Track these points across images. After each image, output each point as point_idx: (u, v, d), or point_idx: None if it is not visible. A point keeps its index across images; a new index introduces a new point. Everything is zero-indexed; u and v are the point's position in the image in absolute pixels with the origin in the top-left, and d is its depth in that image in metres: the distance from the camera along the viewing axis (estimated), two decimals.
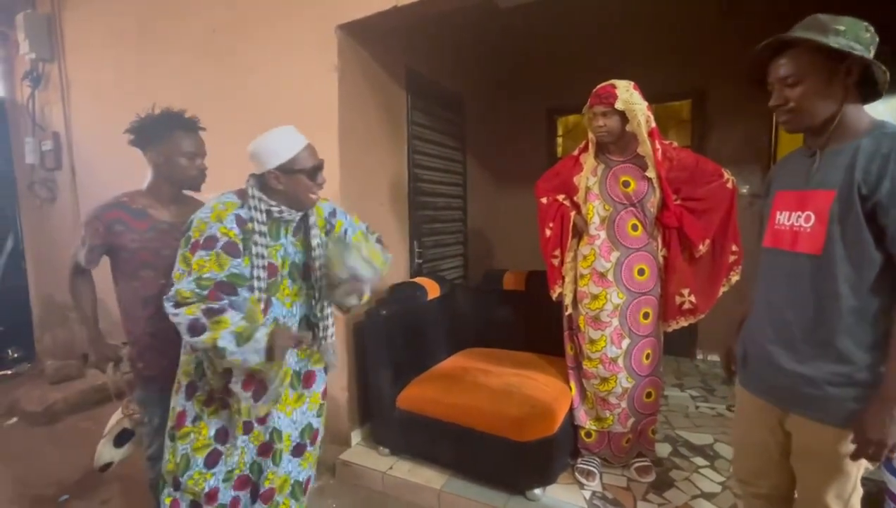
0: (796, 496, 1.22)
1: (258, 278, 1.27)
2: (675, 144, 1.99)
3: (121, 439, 1.67)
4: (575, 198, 2.03)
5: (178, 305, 1.18)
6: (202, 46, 2.61)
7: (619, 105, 1.84)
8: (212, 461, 1.30)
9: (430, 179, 3.10)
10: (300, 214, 1.36)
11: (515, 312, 2.69)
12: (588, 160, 2.00)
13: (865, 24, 1.02)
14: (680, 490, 2.01)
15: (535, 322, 2.60)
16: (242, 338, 1.17)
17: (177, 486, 1.31)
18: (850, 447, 1.01)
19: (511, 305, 2.70)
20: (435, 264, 3.20)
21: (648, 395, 2.02)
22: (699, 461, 2.23)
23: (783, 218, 1.13)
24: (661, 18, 3.32)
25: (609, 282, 1.93)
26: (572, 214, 2.00)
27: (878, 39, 1.02)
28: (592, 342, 1.98)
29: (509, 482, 1.98)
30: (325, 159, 2.24)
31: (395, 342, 2.25)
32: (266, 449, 1.37)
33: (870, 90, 1.04)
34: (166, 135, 1.49)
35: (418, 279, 2.62)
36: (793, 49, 1.05)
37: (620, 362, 1.96)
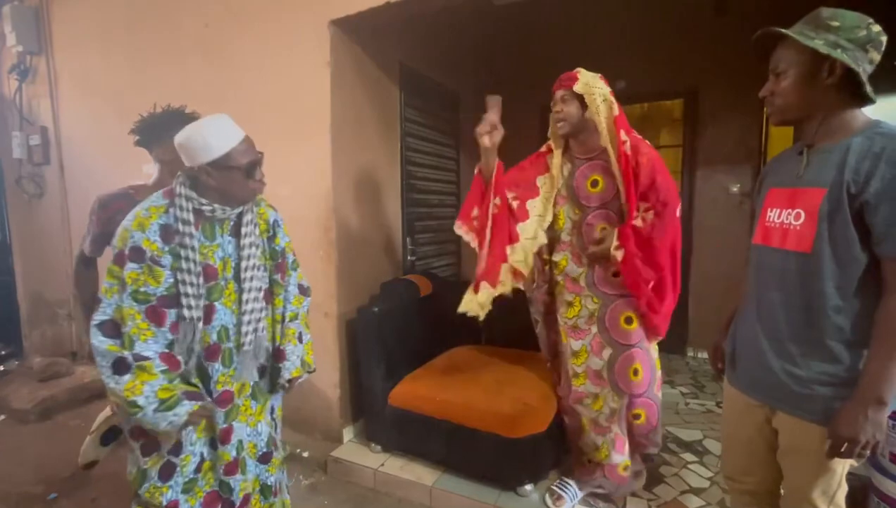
0: (782, 492, 1.24)
1: (191, 285, 1.18)
2: (648, 143, 1.75)
3: (108, 437, 1.67)
4: (527, 204, 1.86)
5: (108, 331, 1.12)
6: (193, 41, 2.58)
7: (577, 88, 1.70)
8: (166, 473, 1.23)
9: (423, 176, 3.09)
10: (236, 211, 1.26)
11: (508, 309, 2.69)
12: (555, 160, 1.86)
13: (868, 21, 1.00)
14: (669, 485, 2.03)
15: (527, 320, 2.59)
16: (164, 405, 1.12)
17: (138, 498, 1.26)
18: (828, 443, 1.02)
19: (503, 303, 2.70)
20: (428, 262, 3.20)
21: (636, 416, 1.81)
22: (688, 456, 2.26)
23: (773, 215, 1.13)
24: (655, 17, 3.33)
25: (581, 287, 1.82)
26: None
27: (883, 39, 1.00)
28: (575, 353, 1.85)
29: (500, 478, 1.99)
30: (318, 155, 2.27)
31: (387, 339, 2.25)
32: (233, 469, 1.31)
33: (862, 92, 1.03)
34: (169, 132, 1.50)
35: (411, 276, 2.62)
36: (784, 41, 1.06)
37: (605, 374, 1.80)
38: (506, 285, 1.83)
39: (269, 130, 2.39)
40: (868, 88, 1.00)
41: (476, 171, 1.88)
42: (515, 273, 1.85)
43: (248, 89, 2.43)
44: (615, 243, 1.68)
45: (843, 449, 0.98)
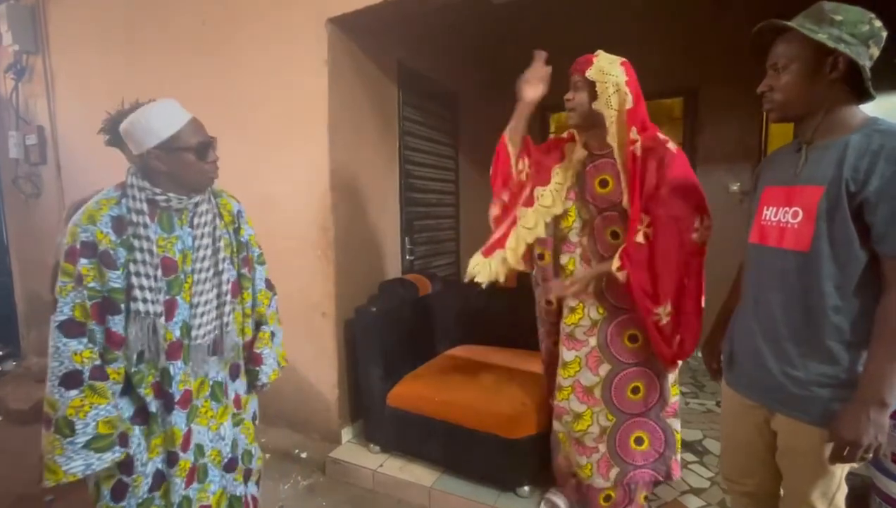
0: (782, 493, 1.23)
1: (147, 277, 1.12)
2: (671, 144, 1.51)
3: None
4: (535, 190, 1.71)
5: (70, 331, 1.06)
6: (190, 40, 2.57)
7: (590, 73, 1.50)
8: (118, 493, 1.16)
9: (422, 175, 3.08)
10: (192, 201, 1.21)
11: (507, 309, 2.69)
12: (574, 151, 1.68)
13: (870, 16, 0.99)
14: (669, 485, 2.02)
15: (526, 319, 2.59)
16: (97, 442, 1.06)
17: None
18: (829, 447, 1.00)
19: (502, 302, 2.69)
20: (427, 261, 3.19)
21: (639, 441, 1.64)
22: (689, 456, 2.25)
23: (770, 214, 1.12)
24: (655, 16, 3.32)
25: (588, 293, 1.62)
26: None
27: (884, 34, 0.99)
28: (565, 365, 1.68)
29: (499, 479, 1.98)
30: (316, 155, 2.26)
31: (385, 340, 2.23)
32: (191, 478, 1.24)
33: (863, 88, 1.02)
34: None
35: (409, 276, 2.61)
36: (786, 35, 1.04)
37: (597, 392, 1.62)
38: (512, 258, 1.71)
39: (267, 129, 2.38)
40: (870, 84, 0.99)
41: (506, 135, 1.69)
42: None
43: (246, 88, 2.41)
44: (616, 263, 1.49)
45: (845, 453, 0.96)
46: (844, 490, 1.10)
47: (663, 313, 1.49)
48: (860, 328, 1.00)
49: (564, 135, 1.77)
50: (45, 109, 3.27)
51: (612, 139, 1.52)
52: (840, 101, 1.02)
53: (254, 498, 1.44)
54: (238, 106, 2.43)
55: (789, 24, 1.02)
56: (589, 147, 1.65)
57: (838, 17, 0.98)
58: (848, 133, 1.01)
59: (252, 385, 1.42)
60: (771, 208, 1.12)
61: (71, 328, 1.07)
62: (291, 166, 2.34)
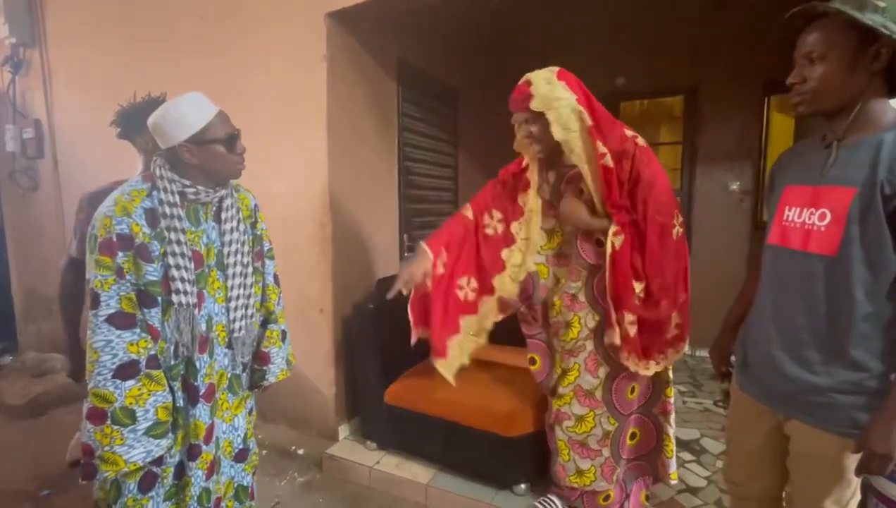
0: (787, 494, 1.20)
1: (185, 270, 1.12)
2: (640, 140, 1.49)
3: None
4: (512, 227, 1.71)
5: (120, 323, 1.05)
6: (188, 34, 2.54)
7: (535, 106, 1.45)
8: (146, 485, 1.16)
9: (421, 172, 3.07)
10: (218, 195, 1.21)
11: None
12: (532, 177, 1.68)
13: None
14: (666, 484, 2.02)
15: None
16: (155, 428, 1.08)
17: None
18: (853, 457, 0.97)
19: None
20: None
21: (632, 436, 1.69)
22: (686, 455, 2.25)
23: (793, 214, 1.04)
24: (655, 13, 3.29)
25: (581, 303, 1.62)
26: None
27: None
28: (565, 373, 1.67)
29: (496, 477, 1.98)
30: (314, 151, 2.25)
31: (383, 337, 2.22)
32: (212, 470, 1.26)
33: None
34: None
35: None
36: (822, 21, 0.97)
37: (598, 394, 1.62)
38: (462, 357, 1.75)
39: (265, 125, 2.36)
40: None
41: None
42: (502, 303, 1.76)
43: (243, 83, 2.40)
44: (613, 227, 1.44)
45: (874, 465, 0.93)
46: (858, 497, 1.07)
47: (639, 289, 1.47)
48: (890, 335, 0.96)
49: (523, 165, 1.75)
50: (42, 102, 3.24)
51: (580, 159, 1.48)
52: (876, 94, 0.96)
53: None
54: (235, 101, 2.38)
55: (832, 6, 0.93)
56: (557, 164, 1.64)
57: (882, 4, 0.90)
58: (880, 131, 0.95)
59: (256, 384, 1.41)
60: (793, 209, 1.05)
61: (122, 320, 1.07)
62: (289, 163, 2.33)
